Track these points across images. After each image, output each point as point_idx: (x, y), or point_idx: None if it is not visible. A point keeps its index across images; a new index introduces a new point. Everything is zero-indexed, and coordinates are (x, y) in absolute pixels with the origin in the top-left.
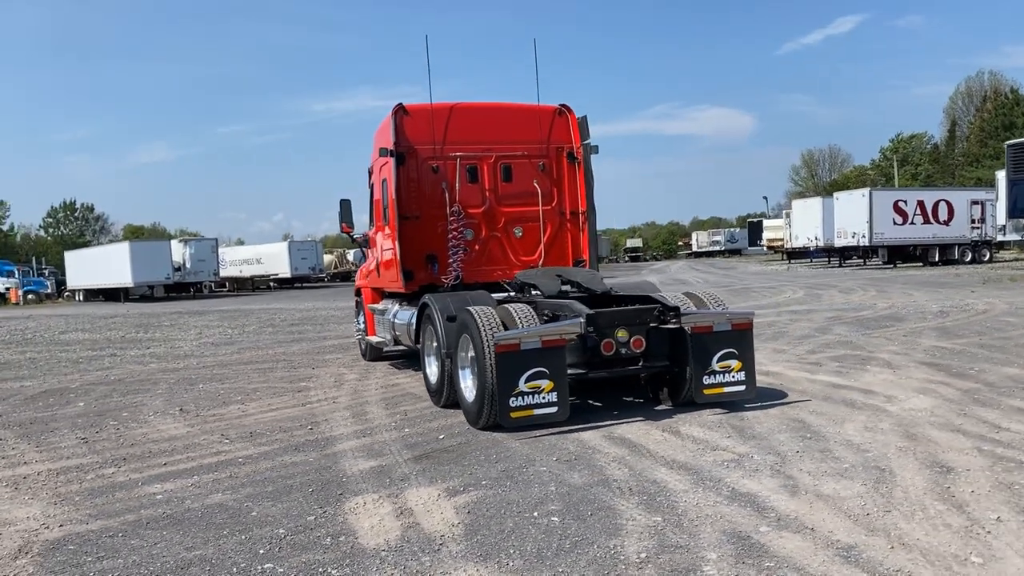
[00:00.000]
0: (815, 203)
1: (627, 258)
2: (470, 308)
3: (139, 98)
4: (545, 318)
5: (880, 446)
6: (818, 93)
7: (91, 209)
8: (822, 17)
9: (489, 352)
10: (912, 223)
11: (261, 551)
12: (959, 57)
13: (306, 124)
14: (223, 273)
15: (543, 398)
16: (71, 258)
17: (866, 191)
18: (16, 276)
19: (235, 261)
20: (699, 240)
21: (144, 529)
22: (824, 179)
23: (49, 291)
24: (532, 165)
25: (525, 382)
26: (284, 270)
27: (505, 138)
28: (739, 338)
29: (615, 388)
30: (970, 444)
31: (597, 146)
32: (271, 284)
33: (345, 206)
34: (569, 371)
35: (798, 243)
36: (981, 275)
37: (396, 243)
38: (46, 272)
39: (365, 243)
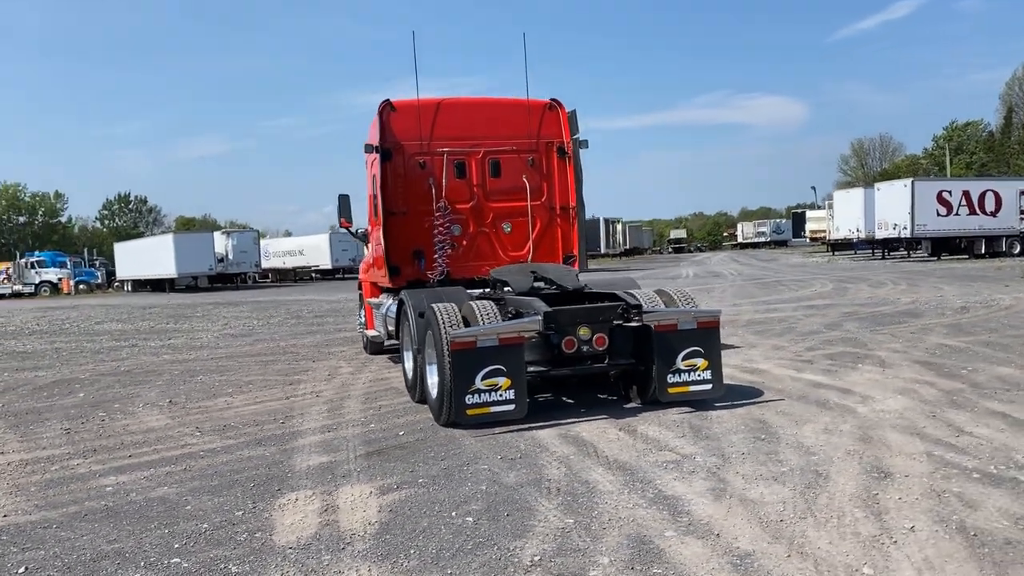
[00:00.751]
0: (857, 194)
1: (670, 249)
2: (433, 305)
3: (191, 93)
4: (509, 315)
5: (830, 449)
6: (872, 80)
7: (144, 201)
8: (879, 1)
9: (446, 349)
10: (957, 214)
11: (176, 545)
12: (1017, 42)
13: (356, 116)
14: (268, 264)
15: (500, 396)
16: (120, 250)
17: (908, 181)
18: (68, 267)
19: (278, 252)
20: (744, 231)
21: (80, 521)
22: (874, 168)
23: (99, 282)
24: (521, 160)
25: (482, 379)
26: (325, 261)
27: (494, 133)
28: (705, 337)
29: (590, 385)
30: (923, 448)
31: (587, 140)
32: (313, 275)
33: (343, 201)
34: (531, 368)
35: (839, 235)
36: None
37: (382, 238)
38: (97, 263)
39: (364, 238)
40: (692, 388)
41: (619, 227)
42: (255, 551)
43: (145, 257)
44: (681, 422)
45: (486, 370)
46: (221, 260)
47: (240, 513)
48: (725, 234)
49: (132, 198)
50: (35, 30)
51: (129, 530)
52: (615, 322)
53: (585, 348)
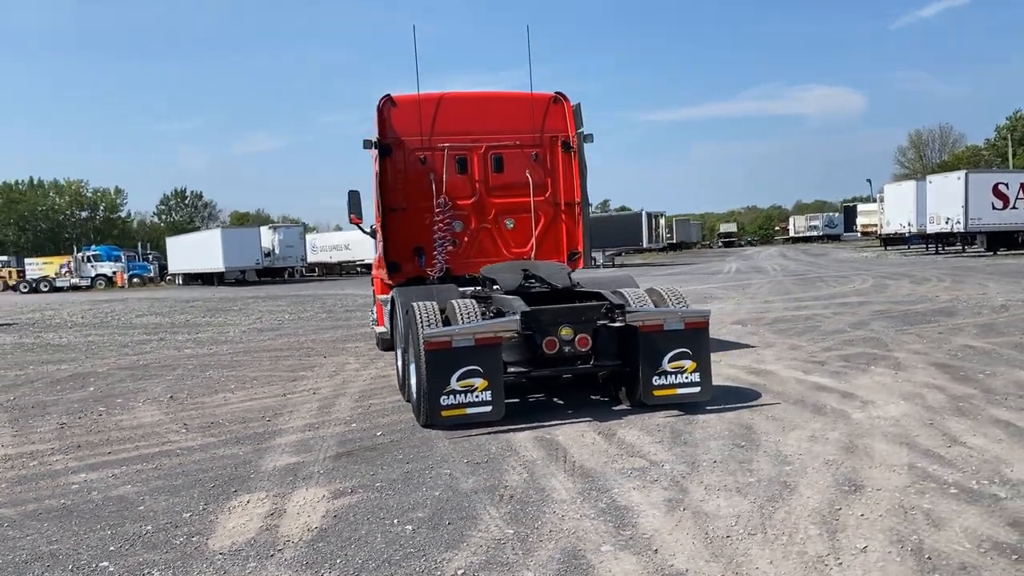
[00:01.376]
0: (908, 187)
1: (720, 244)
2: (414, 303)
3: (245, 89)
4: (492, 315)
5: (808, 459)
6: (933, 69)
7: (200, 196)
8: None
9: (422, 349)
10: (1014, 208)
11: (112, 548)
12: None
13: None
14: (315, 259)
15: (476, 397)
16: (171, 244)
17: (962, 173)
18: (122, 261)
19: (325, 247)
20: (796, 225)
21: (32, 520)
22: (933, 160)
23: (152, 275)
24: (525, 155)
25: (457, 380)
26: (369, 256)
27: (497, 128)
28: (693, 338)
29: (582, 386)
30: (907, 459)
31: (591, 135)
32: (358, 269)
33: (353, 197)
34: (512, 369)
35: (890, 229)
36: None
37: (380, 235)
38: (150, 257)
39: (375, 234)
40: (679, 391)
41: (662, 221)
42: (185, 556)
43: (195, 251)
44: (664, 426)
45: (462, 371)
46: (268, 254)
47: (188, 515)
48: (777, 228)
49: (188, 193)
50: (102, 30)
51: (74, 531)
52: (599, 322)
53: (567, 349)
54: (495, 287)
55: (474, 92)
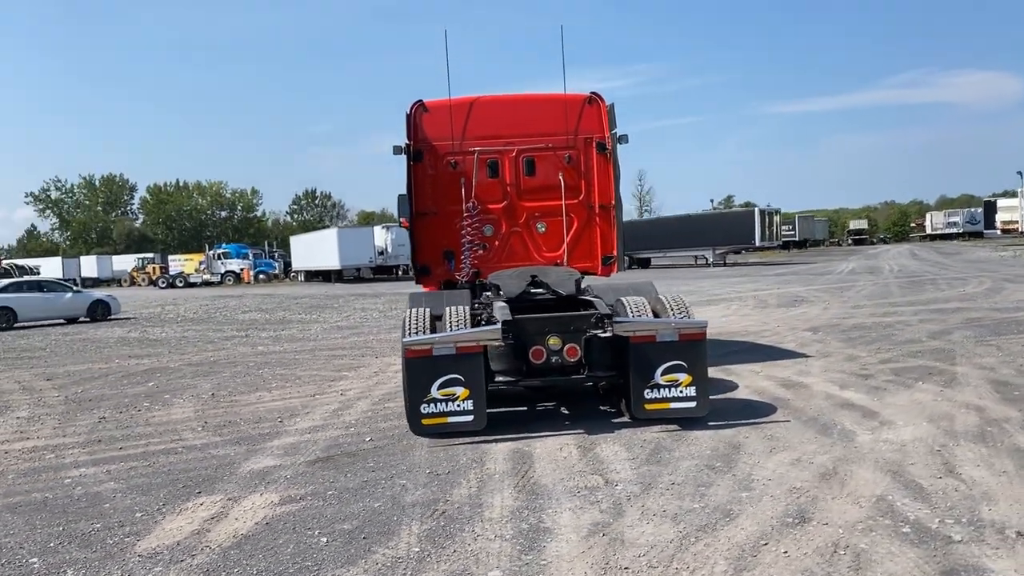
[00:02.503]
0: None
1: (850, 240)
2: (410, 308)
3: (374, 91)
4: (485, 322)
5: (773, 485)
6: None
7: (328, 196)
8: None
9: (403, 356)
10: None
11: (52, 544)
12: None
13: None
14: None
15: (458, 406)
16: (295, 242)
17: None
18: (249, 258)
19: None
20: (933, 221)
21: (8, 512)
22: None
23: (276, 272)
24: (557, 157)
25: (438, 389)
26: None
27: (529, 131)
28: (688, 350)
29: (590, 396)
30: (880, 491)
31: (626, 135)
32: None
33: (403, 200)
34: (499, 378)
35: None
36: None
37: (409, 239)
38: (275, 255)
39: None
40: (673, 405)
41: (776, 218)
42: (106, 556)
43: (314, 250)
44: (650, 442)
45: (443, 379)
46: (381, 253)
47: (140, 515)
48: (912, 225)
49: (318, 194)
50: (246, 38)
51: (34, 525)
52: (589, 332)
53: (555, 359)
54: (500, 293)
55: (507, 95)
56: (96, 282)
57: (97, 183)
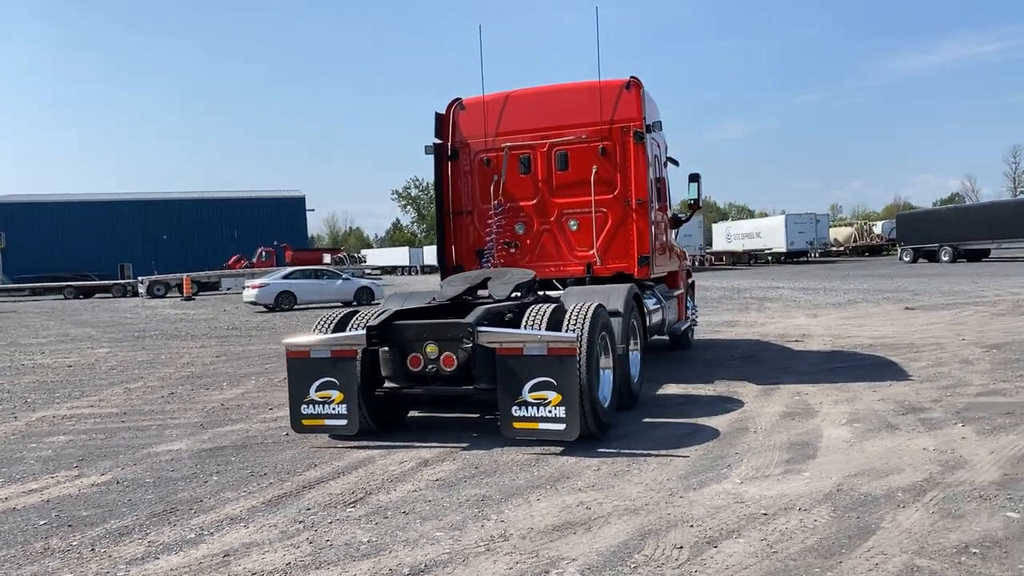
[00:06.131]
0: None
1: None
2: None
3: (719, 77)
4: None
5: (532, 519)
6: None
7: None
8: None
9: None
10: None
11: None
12: None
13: (889, 85)
14: (727, 247)
15: (333, 409)
16: None
17: None
18: None
19: (738, 235)
20: None
21: None
22: None
23: None
24: (592, 150)
25: (316, 391)
26: (780, 244)
27: (563, 122)
28: (558, 366)
29: None
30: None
31: (659, 122)
32: (768, 259)
33: None
34: (387, 384)
35: None
36: None
37: (437, 239)
38: None
39: None
40: (542, 425)
41: None
42: None
43: None
44: (496, 464)
45: (320, 381)
46: None
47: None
48: None
49: None
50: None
51: None
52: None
53: (430, 367)
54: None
55: (541, 87)
56: (434, 269)
57: None
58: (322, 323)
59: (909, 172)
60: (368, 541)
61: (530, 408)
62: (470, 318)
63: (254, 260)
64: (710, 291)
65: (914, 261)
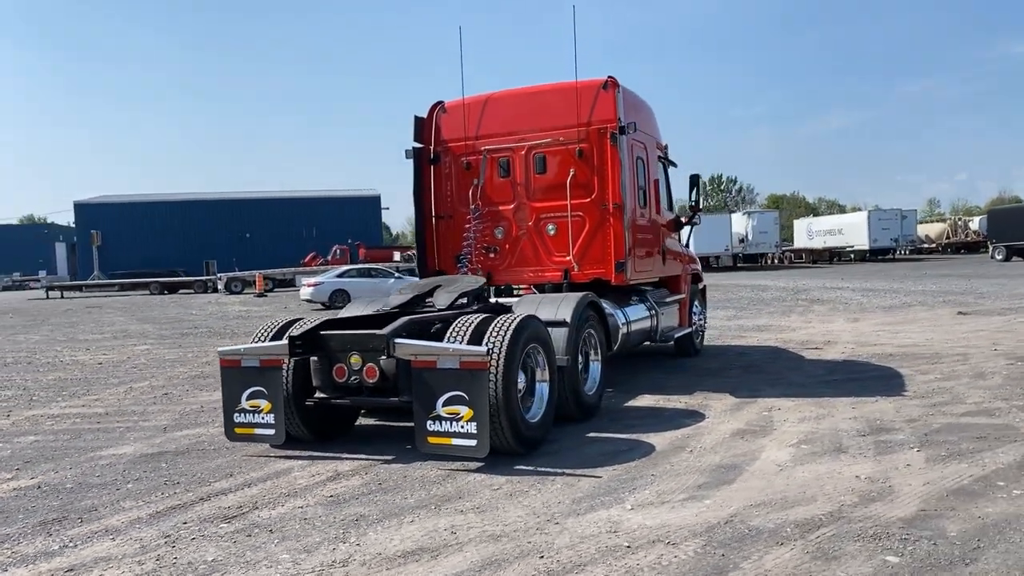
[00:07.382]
0: None
1: None
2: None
3: (819, 69)
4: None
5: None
6: None
7: (734, 181)
8: None
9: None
10: None
11: None
12: None
13: (1003, 71)
14: (809, 244)
15: (262, 418)
16: None
17: None
18: None
19: (819, 232)
20: None
21: None
22: None
23: None
24: (569, 153)
25: (247, 399)
26: (862, 241)
27: (541, 124)
28: (470, 380)
29: None
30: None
31: (634, 123)
32: (851, 256)
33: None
34: (318, 394)
35: None
36: None
37: (416, 244)
38: None
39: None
40: (455, 441)
41: None
42: None
43: None
44: (405, 478)
45: (250, 390)
46: (742, 240)
47: None
48: None
49: (723, 179)
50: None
51: None
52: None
53: (353, 378)
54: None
55: (520, 88)
56: None
57: None
58: (262, 331)
59: (1020, 163)
60: (211, 560)
61: (444, 423)
62: (387, 329)
63: (329, 258)
64: (767, 291)
65: (1007, 260)
